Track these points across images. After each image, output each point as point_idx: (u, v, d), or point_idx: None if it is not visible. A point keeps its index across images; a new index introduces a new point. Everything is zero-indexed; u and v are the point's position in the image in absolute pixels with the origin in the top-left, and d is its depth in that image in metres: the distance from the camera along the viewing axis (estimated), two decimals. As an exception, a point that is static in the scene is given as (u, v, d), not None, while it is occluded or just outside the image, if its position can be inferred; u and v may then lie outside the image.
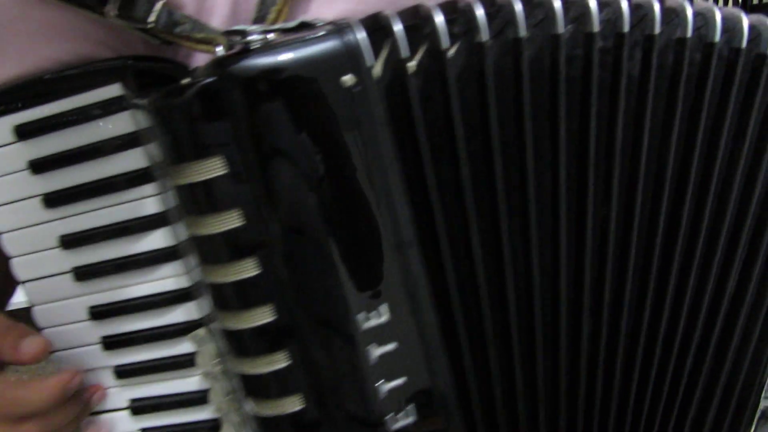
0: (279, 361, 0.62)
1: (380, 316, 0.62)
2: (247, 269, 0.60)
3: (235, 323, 0.62)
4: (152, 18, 0.67)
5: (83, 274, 0.72)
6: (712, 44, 0.71)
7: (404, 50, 0.60)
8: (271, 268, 0.60)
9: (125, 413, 0.76)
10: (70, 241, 0.71)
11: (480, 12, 0.62)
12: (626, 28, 0.67)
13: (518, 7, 0.64)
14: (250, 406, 0.64)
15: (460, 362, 0.67)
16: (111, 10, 0.66)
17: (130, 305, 0.73)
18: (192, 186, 0.59)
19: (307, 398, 0.63)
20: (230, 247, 0.60)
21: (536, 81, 0.65)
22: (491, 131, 0.64)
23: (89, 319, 0.74)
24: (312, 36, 0.59)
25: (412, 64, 0.62)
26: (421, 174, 0.62)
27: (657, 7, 0.68)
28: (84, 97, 0.68)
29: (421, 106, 0.61)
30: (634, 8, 0.69)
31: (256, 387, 0.63)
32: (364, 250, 0.61)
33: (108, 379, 0.75)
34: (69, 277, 0.72)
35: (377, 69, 0.61)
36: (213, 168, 0.58)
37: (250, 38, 0.58)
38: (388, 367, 0.63)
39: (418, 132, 0.61)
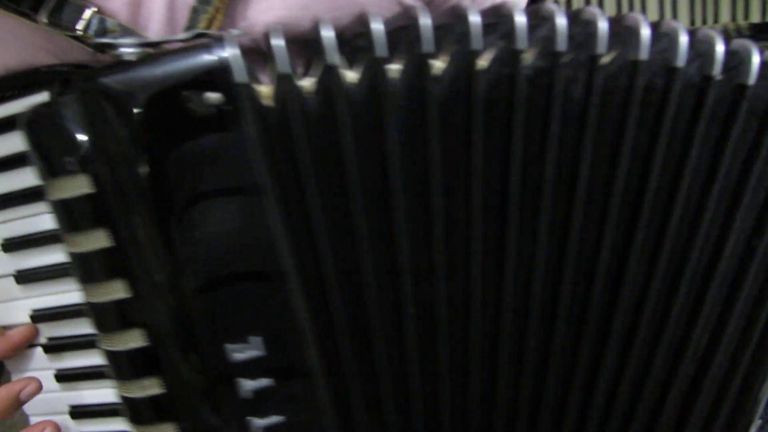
0: (152, 387, 0.56)
1: (253, 350, 0.54)
2: (118, 291, 0.55)
3: (110, 345, 0.56)
4: (80, 26, 0.64)
5: (24, 277, 0.69)
6: (674, 69, 0.58)
7: (284, 67, 0.52)
8: (142, 291, 0.54)
9: (66, 417, 0.72)
10: (9, 245, 0.68)
11: (378, 26, 0.53)
12: (561, 46, 0.56)
13: (425, 20, 0.54)
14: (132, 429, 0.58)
15: (348, 405, 0.58)
16: (42, 17, 0.63)
17: (69, 311, 0.68)
18: (62, 202, 0.53)
19: (183, 428, 0.56)
20: (100, 268, 0.54)
21: (450, 104, 0.55)
22: (390, 159, 0.54)
23: (31, 323, 0.70)
24: (184, 50, 0.52)
25: (308, 83, 0.54)
26: (303, 204, 0.54)
27: (602, 24, 0.57)
28: (18, 104, 0.64)
29: (308, 130, 0.53)
30: (581, 25, 0.58)
31: (132, 411, 0.57)
32: (235, 280, 0.54)
33: (49, 382, 0.71)
34: (11, 279, 0.69)
35: (265, 88, 0.53)
36: (79, 186, 0.53)
37: (121, 51, 0.52)
38: (263, 403, 0.56)
39: (301, 160, 0.53)
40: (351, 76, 0.56)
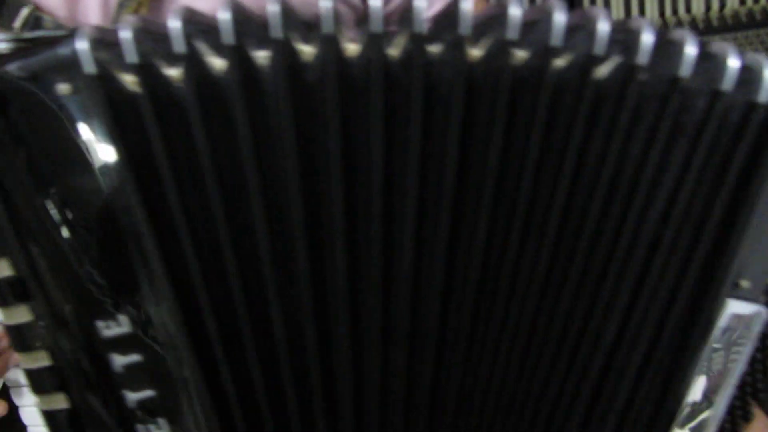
0: (43, 360, 0.57)
1: (120, 326, 0.54)
2: (4, 269, 0.56)
3: (5, 319, 0.57)
4: (17, 23, 0.65)
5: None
6: (551, 49, 0.54)
7: (131, 57, 0.51)
8: (22, 270, 0.55)
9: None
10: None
11: (225, 16, 0.51)
12: (419, 28, 0.52)
13: (274, 8, 0.52)
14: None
15: (218, 380, 0.57)
16: None
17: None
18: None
19: (71, 399, 0.58)
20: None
21: (317, 90, 0.53)
22: (243, 151, 0.53)
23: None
24: (49, 44, 0.52)
25: (176, 72, 0.53)
26: (159, 193, 0.53)
27: (465, 4, 0.52)
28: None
29: (165, 120, 0.52)
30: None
31: (31, 381, 0.59)
32: (104, 260, 0.54)
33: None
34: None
35: (130, 77, 0.53)
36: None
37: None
38: (134, 378, 0.56)
39: (157, 153, 0.52)
40: (219, 64, 0.54)
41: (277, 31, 0.52)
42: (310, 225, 0.55)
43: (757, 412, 0.69)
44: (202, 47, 0.54)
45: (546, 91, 0.54)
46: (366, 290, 0.57)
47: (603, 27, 0.54)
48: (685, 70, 0.55)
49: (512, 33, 0.53)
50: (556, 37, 0.54)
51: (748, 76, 0.58)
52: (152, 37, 0.54)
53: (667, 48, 0.56)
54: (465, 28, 0.53)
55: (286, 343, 0.57)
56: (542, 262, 0.57)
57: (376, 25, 0.53)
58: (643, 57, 0.55)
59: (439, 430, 0.61)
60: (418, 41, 0.53)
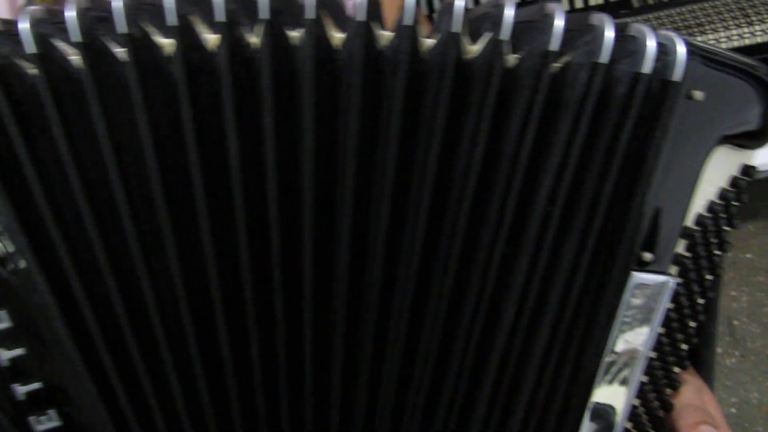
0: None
1: (1, 321, 0.54)
2: None
3: None
4: None
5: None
6: (409, 27, 0.50)
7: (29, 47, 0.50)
8: None
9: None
10: None
11: (71, 14, 0.49)
12: (265, 15, 0.49)
13: (117, 3, 0.49)
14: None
15: (101, 367, 0.55)
16: None
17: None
18: None
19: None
20: None
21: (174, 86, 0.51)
22: (103, 151, 0.51)
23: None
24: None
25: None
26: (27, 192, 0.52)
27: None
28: None
29: (18, 121, 0.51)
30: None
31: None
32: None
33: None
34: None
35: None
36: None
37: None
38: (21, 370, 0.55)
39: (20, 153, 0.51)
40: (77, 60, 0.53)
41: (122, 27, 0.49)
42: (173, 212, 0.53)
43: (688, 378, 0.64)
44: (62, 45, 0.52)
45: (404, 71, 0.50)
46: (232, 281, 0.55)
47: (459, 3, 0.50)
48: (555, 43, 0.51)
49: (361, 15, 0.49)
50: (408, 18, 0.49)
51: (633, 47, 0.53)
52: (13, 39, 0.52)
53: (538, 22, 0.51)
54: (310, 12, 0.49)
55: (165, 332, 0.56)
56: (418, 243, 0.54)
57: (220, 15, 0.49)
58: (506, 32, 0.50)
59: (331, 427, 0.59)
60: (270, 27, 0.50)
